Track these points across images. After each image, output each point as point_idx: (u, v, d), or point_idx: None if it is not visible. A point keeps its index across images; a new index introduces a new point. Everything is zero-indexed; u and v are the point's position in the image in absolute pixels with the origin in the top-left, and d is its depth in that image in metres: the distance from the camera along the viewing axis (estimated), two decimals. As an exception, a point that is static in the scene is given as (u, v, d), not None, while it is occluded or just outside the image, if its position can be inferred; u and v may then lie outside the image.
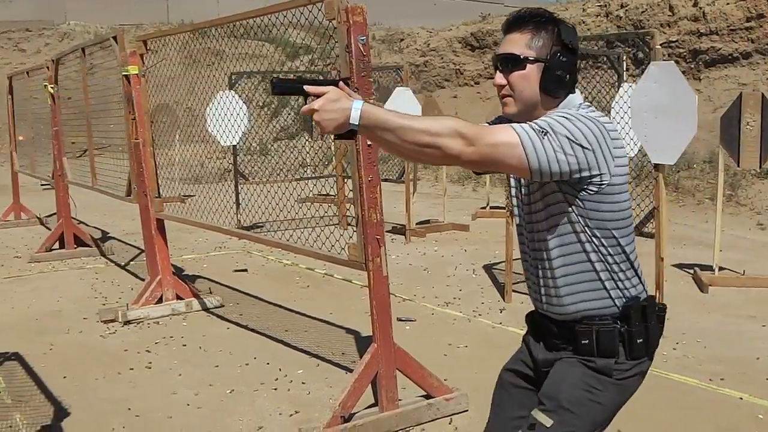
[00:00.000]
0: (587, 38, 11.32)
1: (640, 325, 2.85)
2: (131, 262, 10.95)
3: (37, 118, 13.99)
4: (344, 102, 2.57)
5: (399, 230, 12.28)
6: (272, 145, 19.96)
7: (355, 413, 5.21)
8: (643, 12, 18.97)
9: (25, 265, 11.12)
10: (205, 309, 8.28)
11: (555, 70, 2.81)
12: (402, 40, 27.48)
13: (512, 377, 3.18)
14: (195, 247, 11.92)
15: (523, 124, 2.62)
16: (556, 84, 2.83)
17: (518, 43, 2.84)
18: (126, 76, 7.99)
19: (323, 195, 14.72)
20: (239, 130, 11.26)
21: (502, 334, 7.29)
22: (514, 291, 8.37)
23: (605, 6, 20.41)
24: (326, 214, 11.94)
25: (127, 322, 7.91)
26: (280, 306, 8.37)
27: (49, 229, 13.03)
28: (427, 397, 5.50)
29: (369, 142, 4.91)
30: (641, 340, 2.86)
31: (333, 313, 8.01)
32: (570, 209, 2.78)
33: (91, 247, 11.70)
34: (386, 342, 5.26)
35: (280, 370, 6.46)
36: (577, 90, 2.92)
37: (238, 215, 11.99)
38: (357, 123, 2.56)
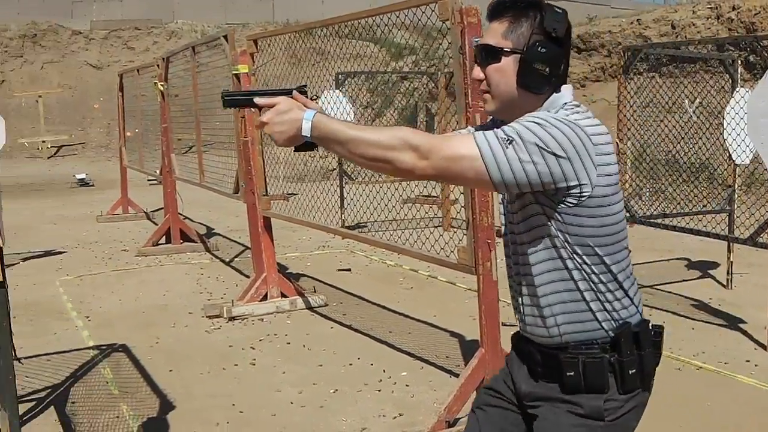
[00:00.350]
0: (700, 41, 11.06)
1: (632, 353, 2.54)
2: (236, 259, 11.07)
3: (146, 115, 14.24)
4: (295, 113, 2.43)
5: (504, 233, 12.11)
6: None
7: (459, 418, 5.15)
8: (756, 14, 18.51)
9: (132, 258, 11.33)
10: (309, 307, 8.30)
11: (533, 63, 2.49)
12: (509, 41, 27.27)
13: (490, 398, 2.87)
14: (298, 245, 11.99)
15: (487, 132, 2.38)
16: (535, 79, 2.51)
17: (495, 33, 2.55)
18: (236, 74, 8.05)
19: (427, 196, 14.64)
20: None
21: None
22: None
23: (716, 8, 19.96)
24: (435, 216, 11.93)
25: (232, 318, 7.98)
26: (384, 307, 8.34)
27: (156, 224, 13.26)
28: (533, 404, 5.41)
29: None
30: (634, 371, 2.54)
31: (437, 315, 7.95)
32: (549, 222, 2.50)
33: (196, 242, 11.86)
34: (494, 347, 5.19)
35: (384, 371, 6.44)
36: (565, 88, 2.59)
37: (343, 214, 12.00)
38: (309, 135, 2.41)
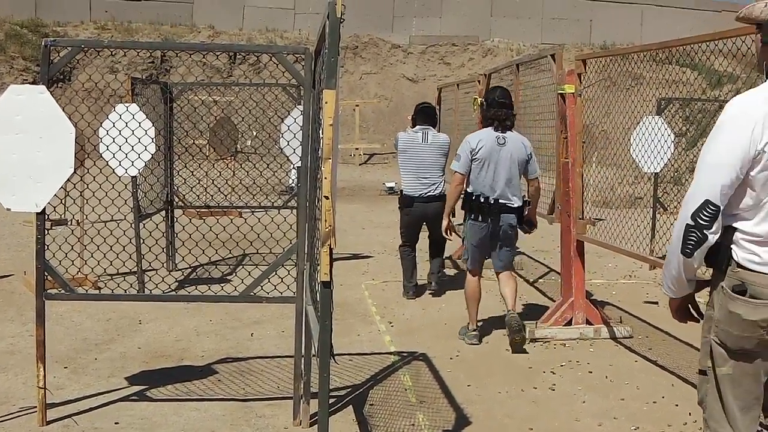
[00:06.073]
0: None
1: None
2: (539, 280, 10.96)
3: (460, 129, 14.35)
4: None
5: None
6: (688, 176, 19.21)
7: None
8: None
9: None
10: (614, 338, 8.05)
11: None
12: None
13: None
14: (604, 272, 11.71)
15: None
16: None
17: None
18: (561, 94, 7.96)
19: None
20: (664, 158, 10.82)
21: None
22: None
23: None
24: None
25: (534, 340, 7.90)
26: (692, 345, 7.87)
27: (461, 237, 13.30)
28: None
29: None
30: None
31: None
32: None
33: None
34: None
35: (689, 414, 6.08)
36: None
37: (652, 245, 11.59)
38: None
